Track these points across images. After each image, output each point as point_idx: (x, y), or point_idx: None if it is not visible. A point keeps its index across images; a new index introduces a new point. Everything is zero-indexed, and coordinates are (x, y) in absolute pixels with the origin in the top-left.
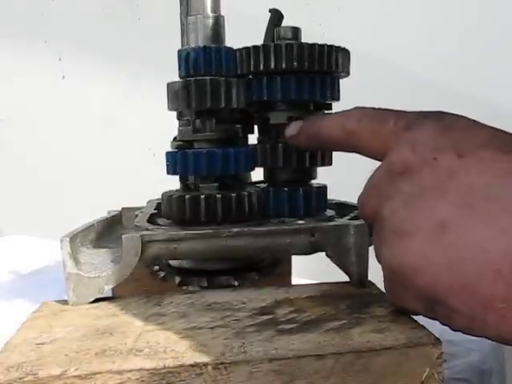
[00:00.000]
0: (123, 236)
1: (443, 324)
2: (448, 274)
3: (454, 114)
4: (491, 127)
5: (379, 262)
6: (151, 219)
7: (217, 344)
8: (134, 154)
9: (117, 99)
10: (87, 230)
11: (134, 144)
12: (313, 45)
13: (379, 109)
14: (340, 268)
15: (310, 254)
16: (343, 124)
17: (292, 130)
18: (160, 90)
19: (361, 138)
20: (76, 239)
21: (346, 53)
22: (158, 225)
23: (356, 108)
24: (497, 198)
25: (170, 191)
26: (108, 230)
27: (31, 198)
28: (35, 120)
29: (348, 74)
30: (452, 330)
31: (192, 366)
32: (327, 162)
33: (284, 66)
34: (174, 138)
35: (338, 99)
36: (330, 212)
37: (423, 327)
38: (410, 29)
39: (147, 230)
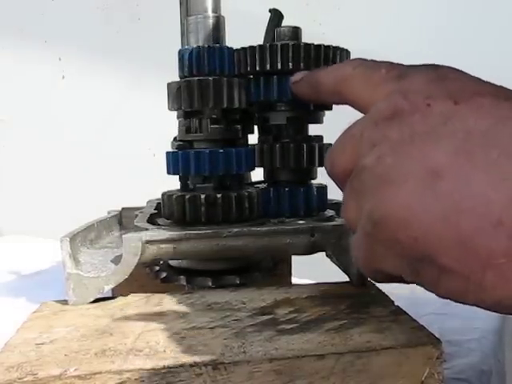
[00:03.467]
0: (123, 236)
1: (428, 290)
2: (441, 226)
3: (447, 66)
4: (487, 81)
5: (349, 221)
6: (151, 219)
7: (217, 344)
8: (134, 154)
9: (117, 99)
10: (87, 230)
11: (134, 144)
12: (309, 45)
13: (378, 61)
14: (340, 268)
15: (309, 254)
16: (338, 71)
17: (296, 76)
18: (160, 89)
19: (352, 85)
20: (76, 239)
21: (345, 53)
22: (158, 225)
23: (356, 58)
24: (498, 144)
25: (170, 191)
26: (108, 230)
27: (31, 198)
28: (35, 120)
29: None
30: (439, 296)
31: (192, 366)
32: None
33: (279, 66)
34: (174, 138)
35: None
36: (330, 212)
37: (423, 327)
38: (409, 29)
39: (147, 230)
